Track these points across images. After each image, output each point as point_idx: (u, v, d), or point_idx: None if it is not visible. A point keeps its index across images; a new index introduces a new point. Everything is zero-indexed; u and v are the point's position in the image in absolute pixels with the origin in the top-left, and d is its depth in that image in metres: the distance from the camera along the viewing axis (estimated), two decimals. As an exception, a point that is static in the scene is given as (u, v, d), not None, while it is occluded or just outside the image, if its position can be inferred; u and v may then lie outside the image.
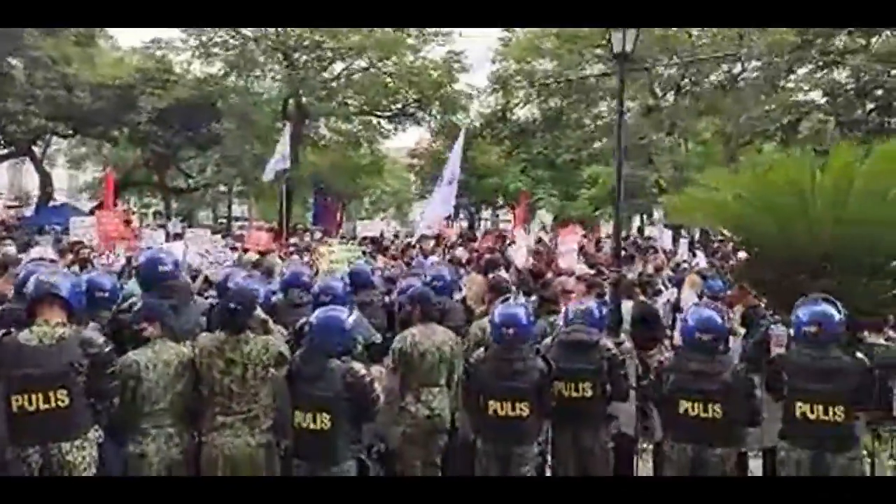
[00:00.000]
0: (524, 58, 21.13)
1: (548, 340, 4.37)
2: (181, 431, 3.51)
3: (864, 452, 4.17)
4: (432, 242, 13.20)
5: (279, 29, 20.38)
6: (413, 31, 21.19)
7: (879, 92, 22.17)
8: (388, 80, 21.41)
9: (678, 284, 8.72)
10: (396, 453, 4.25)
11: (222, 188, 29.91)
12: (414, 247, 11.74)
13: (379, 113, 24.87)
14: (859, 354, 3.74)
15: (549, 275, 8.79)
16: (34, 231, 14.48)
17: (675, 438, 3.99)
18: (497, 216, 30.91)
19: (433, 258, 10.80)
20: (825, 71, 22.88)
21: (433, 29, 20.52)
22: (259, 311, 3.84)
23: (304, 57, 21.48)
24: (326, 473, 3.53)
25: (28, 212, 23.62)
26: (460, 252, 10.35)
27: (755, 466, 4.69)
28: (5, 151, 22.55)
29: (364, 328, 3.77)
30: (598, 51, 20.42)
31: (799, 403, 3.78)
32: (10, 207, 26.18)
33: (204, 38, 21.39)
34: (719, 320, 4.00)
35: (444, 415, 4.27)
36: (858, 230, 4.40)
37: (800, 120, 24.23)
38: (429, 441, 4.26)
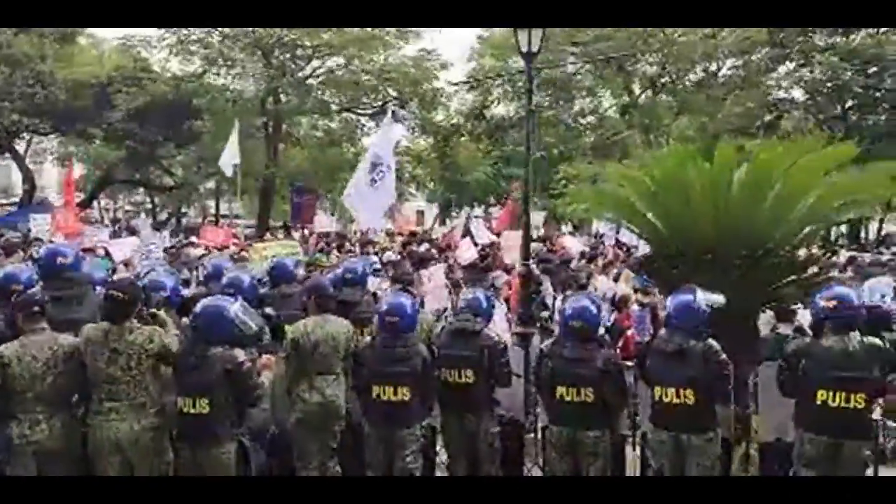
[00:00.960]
0: (500, 55, 21.34)
1: (438, 329, 4.58)
2: (51, 416, 3.65)
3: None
4: (400, 238, 13.38)
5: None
6: (389, 28, 21.37)
7: (858, 89, 22.33)
8: (366, 77, 21.55)
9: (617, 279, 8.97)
10: (292, 438, 4.44)
11: (211, 185, 30.03)
12: (373, 243, 11.95)
13: (359, 110, 25.03)
14: (711, 342, 3.93)
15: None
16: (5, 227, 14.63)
17: (553, 422, 4.20)
18: (490, 214, 31.03)
19: (389, 254, 11.02)
20: (806, 69, 23.06)
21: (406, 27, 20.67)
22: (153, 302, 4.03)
23: (283, 55, 21.60)
24: (207, 455, 3.73)
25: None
26: (414, 248, 10.55)
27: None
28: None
29: (251, 317, 3.93)
30: (572, 48, 20.62)
31: (657, 387, 3.99)
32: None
33: (182, 36, 21.49)
34: (593, 310, 4.20)
35: (337, 401, 4.44)
36: (737, 225, 4.60)
37: (780, 118, 24.53)
38: (323, 426, 4.42)
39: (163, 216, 33.67)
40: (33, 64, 18.03)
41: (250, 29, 20.80)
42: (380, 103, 24.57)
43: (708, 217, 4.63)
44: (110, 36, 22.84)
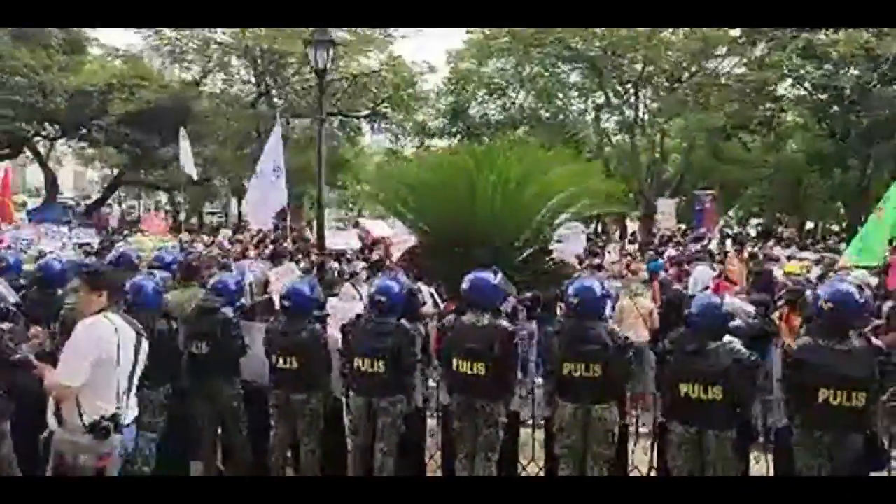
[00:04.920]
0: (479, 57, 21.93)
1: (190, 308, 5.29)
2: None
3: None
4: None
5: (250, 33, 21.62)
6: (377, 33, 22.25)
7: (854, 86, 22.02)
8: (342, 82, 22.45)
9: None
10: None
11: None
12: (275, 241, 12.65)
13: (352, 113, 25.98)
14: (404, 323, 4.49)
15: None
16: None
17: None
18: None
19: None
20: (807, 70, 22.88)
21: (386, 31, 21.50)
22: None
23: (270, 61, 22.66)
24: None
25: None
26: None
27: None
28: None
29: (7, 295, 4.72)
30: (548, 49, 21.02)
31: (356, 358, 4.54)
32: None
33: (181, 43, 22.79)
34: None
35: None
36: (473, 220, 5.16)
37: (773, 117, 24.50)
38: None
39: (181, 215, 35.37)
40: (34, 75, 19.45)
41: (241, 36, 21.93)
42: (371, 105, 25.51)
43: (451, 214, 5.21)
44: (118, 44, 24.23)
